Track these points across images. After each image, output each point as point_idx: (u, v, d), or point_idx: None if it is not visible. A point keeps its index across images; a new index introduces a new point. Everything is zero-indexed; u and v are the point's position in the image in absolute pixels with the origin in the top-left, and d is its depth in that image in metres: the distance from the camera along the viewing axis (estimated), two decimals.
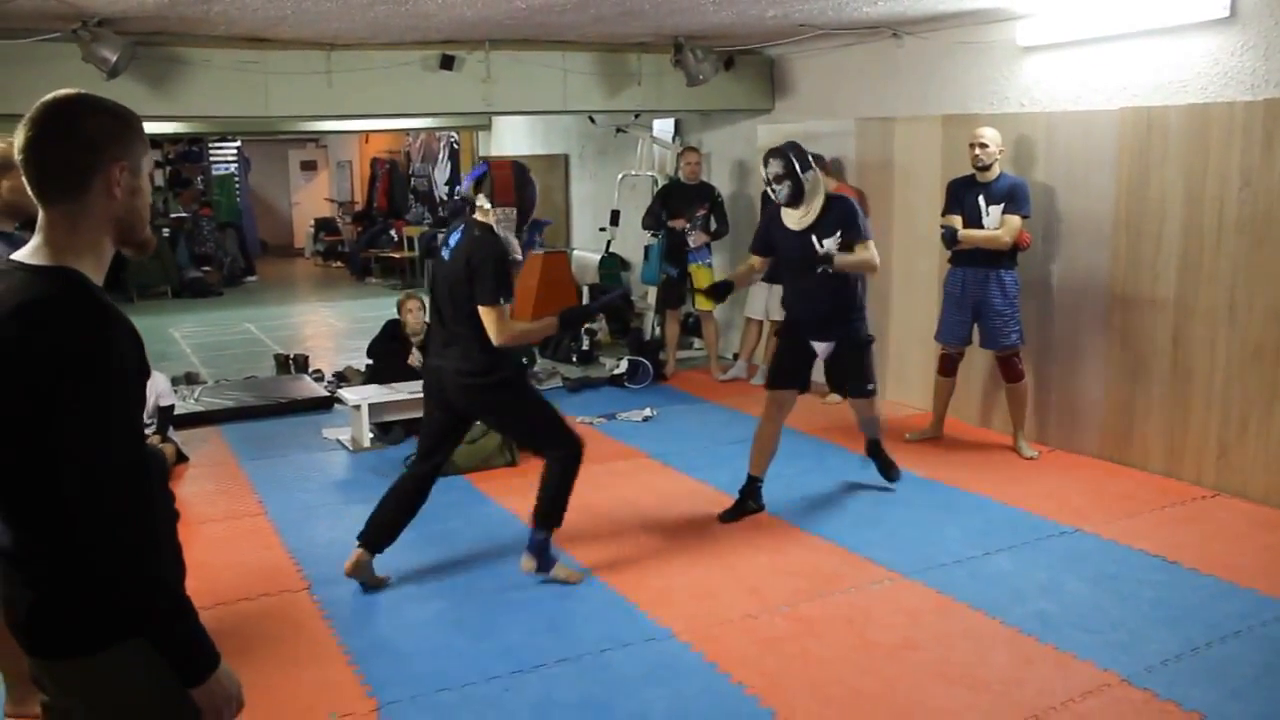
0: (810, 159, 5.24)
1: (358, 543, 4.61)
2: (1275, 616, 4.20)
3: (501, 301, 4.30)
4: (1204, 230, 5.69)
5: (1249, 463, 5.58)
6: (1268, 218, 5.39)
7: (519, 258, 4.47)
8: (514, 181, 4.42)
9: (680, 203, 8.60)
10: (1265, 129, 5.36)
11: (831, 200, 5.22)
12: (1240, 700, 3.58)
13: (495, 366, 4.44)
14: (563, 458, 4.58)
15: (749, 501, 5.46)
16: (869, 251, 5.21)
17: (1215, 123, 5.59)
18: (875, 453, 5.86)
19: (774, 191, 5.18)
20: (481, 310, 4.32)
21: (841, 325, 5.32)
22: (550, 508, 4.61)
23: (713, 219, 8.60)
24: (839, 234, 5.16)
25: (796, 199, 5.15)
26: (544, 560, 4.66)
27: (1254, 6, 5.42)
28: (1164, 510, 5.48)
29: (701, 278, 8.50)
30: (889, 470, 5.85)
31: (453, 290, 4.42)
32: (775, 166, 5.12)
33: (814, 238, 5.16)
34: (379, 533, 4.63)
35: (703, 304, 8.71)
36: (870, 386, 5.51)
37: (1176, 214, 5.82)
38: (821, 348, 5.39)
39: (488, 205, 4.40)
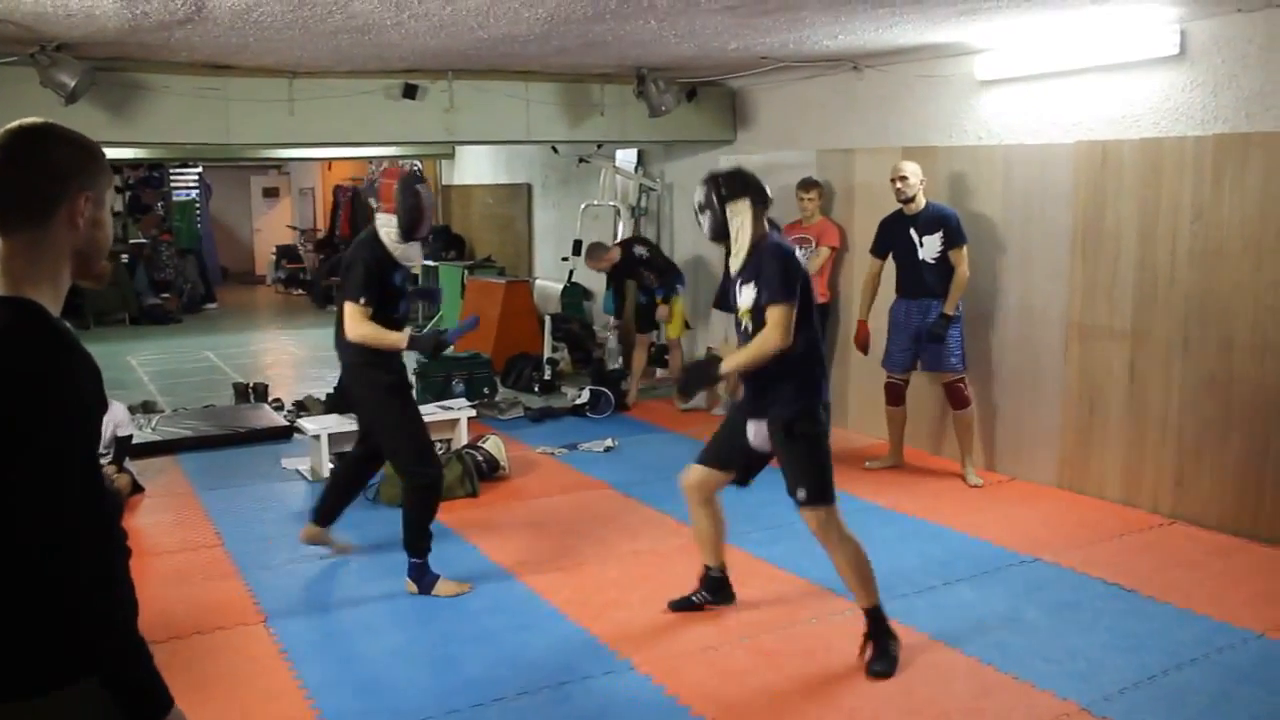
0: (744, 186, 4.14)
1: (310, 518, 5.29)
2: (1230, 643, 4.24)
3: (361, 301, 4.61)
4: (1158, 262, 5.78)
5: (1204, 490, 5.65)
6: (1219, 250, 5.48)
7: (406, 265, 4.81)
8: (396, 189, 4.66)
9: (625, 280, 8.86)
10: (1215, 164, 5.47)
11: (758, 246, 4.10)
12: None
13: (377, 362, 4.75)
14: (418, 486, 4.82)
15: (702, 594, 4.65)
16: (769, 333, 3.96)
17: (1167, 157, 5.69)
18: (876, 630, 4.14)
19: (699, 224, 4.29)
20: (345, 306, 4.66)
21: (774, 403, 4.10)
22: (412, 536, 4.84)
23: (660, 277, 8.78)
24: (754, 288, 4.09)
25: (718, 234, 4.17)
26: (423, 582, 4.84)
27: (1202, 45, 5.54)
28: (1122, 538, 5.53)
29: (673, 304, 8.64)
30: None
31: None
32: (699, 194, 4.21)
33: (738, 285, 4.18)
34: (324, 511, 5.26)
35: (672, 332, 8.80)
36: (802, 494, 4.03)
37: (1131, 246, 5.91)
38: (751, 430, 4.21)
39: (376, 206, 4.78)
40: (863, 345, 6.81)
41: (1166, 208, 5.72)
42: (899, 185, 6.40)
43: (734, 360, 4.10)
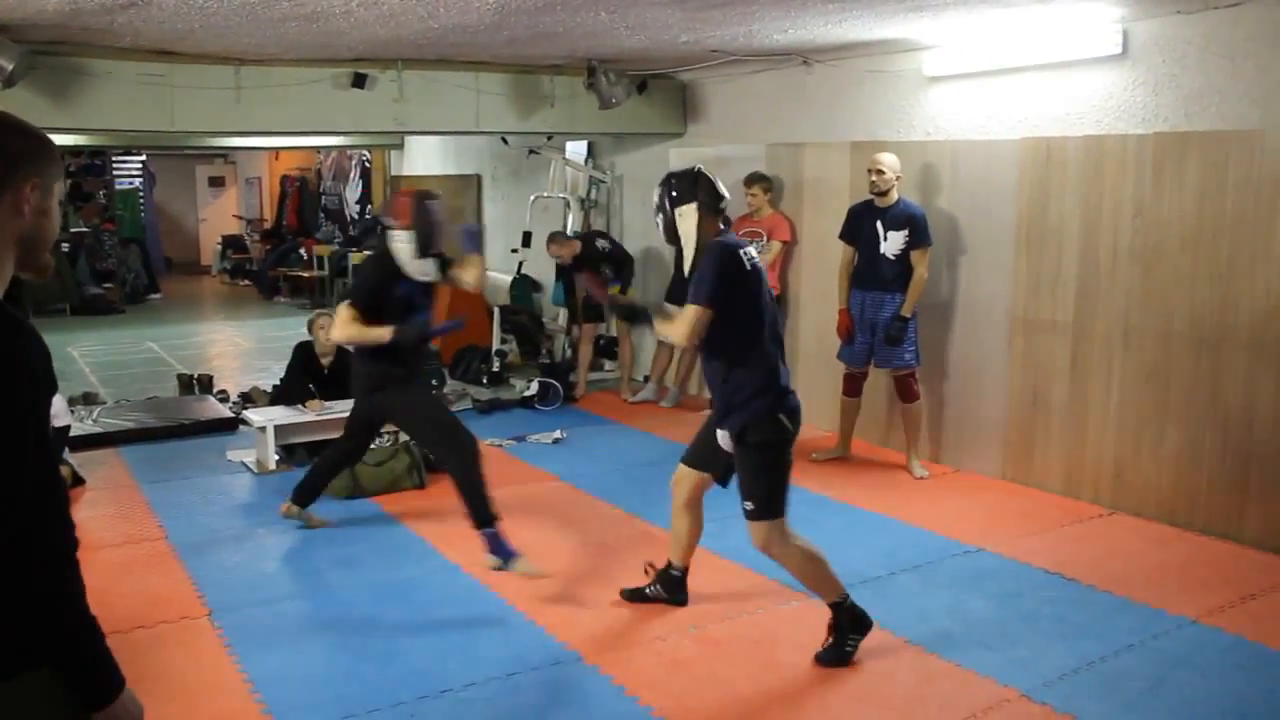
0: (693, 188, 4.07)
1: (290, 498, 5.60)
2: (1165, 630, 4.34)
3: (349, 303, 4.96)
4: (1100, 257, 5.89)
5: (1143, 482, 5.77)
6: (1158, 247, 5.59)
7: (418, 277, 5.01)
8: (412, 206, 4.93)
9: (574, 276, 8.75)
10: (1155, 161, 5.57)
11: (702, 249, 4.05)
12: (1133, 712, 3.69)
13: (377, 368, 5.03)
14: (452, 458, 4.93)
15: (656, 587, 4.63)
16: (676, 323, 3.98)
17: (1109, 154, 5.79)
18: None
19: (656, 225, 4.24)
20: (339, 306, 5.03)
21: (732, 410, 4.01)
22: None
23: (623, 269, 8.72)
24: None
25: (669, 237, 4.16)
26: (503, 553, 4.78)
27: (1144, 45, 5.64)
28: (1063, 529, 5.63)
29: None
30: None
31: None
32: (654, 195, 4.18)
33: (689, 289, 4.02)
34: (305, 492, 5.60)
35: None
36: (749, 505, 3.97)
37: (1074, 241, 6.01)
38: (720, 437, 4.14)
39: (390, 223, 5.00)
40: (846, 335, 6.70)
41: (1108, 204, 5.82)
42: (874, 178, 6.39)
43: (663, 326, 4.09)
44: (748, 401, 3.96)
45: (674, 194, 4.08)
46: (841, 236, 6.73)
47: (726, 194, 4.15)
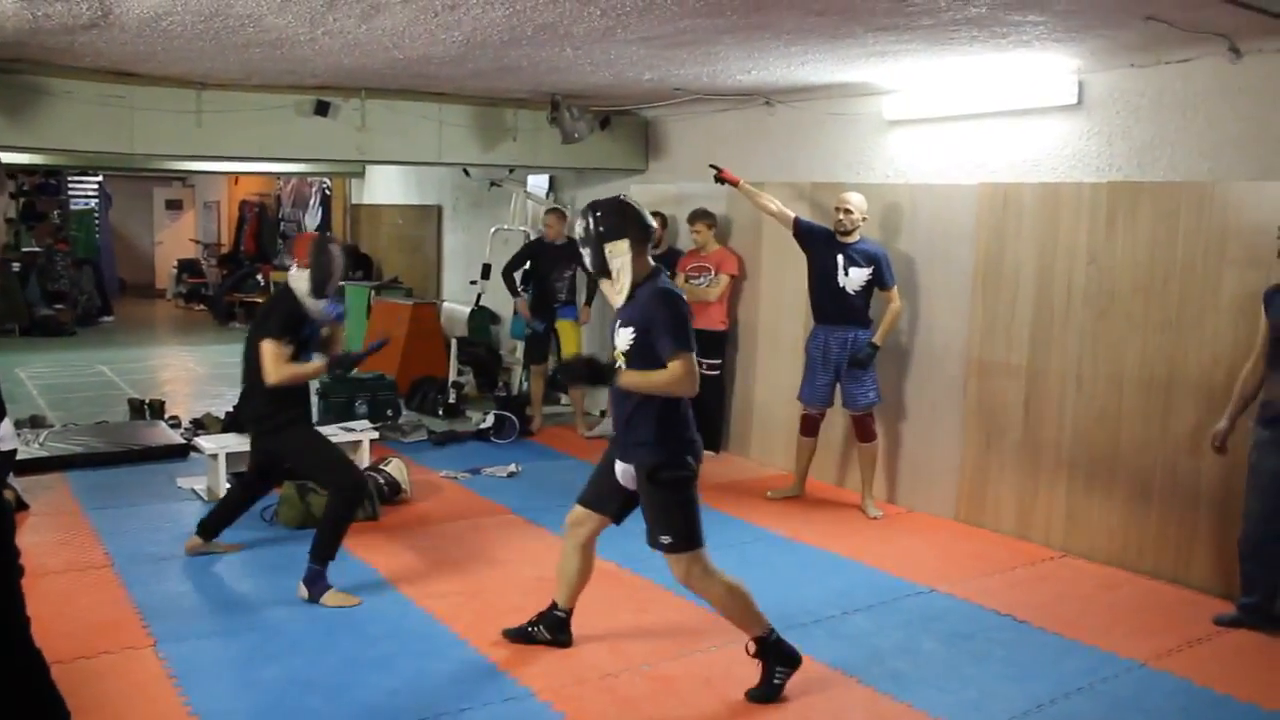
0: (622, 225, 3.97)
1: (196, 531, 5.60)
2: (1114, 673, 4.37)
3: (283, 341, 4.87)
4: (1054, 302, 5.97)
5: (1094, 524, 5.83)
6: (1111, 292, 5.69)
7: (315, 317, 5.05)
8: (310, 247, 5.02)
9: (548, 263, 8.62)
10: (1109, 209, 5.68)
11: (639, 288, 3.98)
12: None
13: (278, 412, 5.06)
14: (340, 496, 5.03)
15: (535, 629, 4.52)
16: (672, 371, 3.84)
17: (1064, 201, 5.89)
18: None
19: (582, 255, 4.13)
20: (263, 345, 4.87)
21: (641, 447, 3.97)
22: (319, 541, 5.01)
23: (581, 274, 8.65)
24: (633, 332, 3.95)
25: (600, 271, 4.05)
26: (315, 588, 4.95)
27: (1099, 97, 5.76)
28: (1015, 570, 5.67)
29: (568, 333, 8.60)
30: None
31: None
32: (579, 227, 4.07)
33: (616, 326, 4.05)
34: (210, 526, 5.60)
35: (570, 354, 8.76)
36: (666, 539, 3.94)
37: (1029, 286, 6.10)
38: (619, 470, 4.11)
39: (291, 262, 5.11)
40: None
41: (1063, 250, 5.92)
42: (841, 217, 6.44)
43: (630, 379, 3.93)
44: (661, 440, 3.94)
45: (602, 229, 3.97)
46: (796, 220, 6.73)
47: (654, 224, 4.10)
